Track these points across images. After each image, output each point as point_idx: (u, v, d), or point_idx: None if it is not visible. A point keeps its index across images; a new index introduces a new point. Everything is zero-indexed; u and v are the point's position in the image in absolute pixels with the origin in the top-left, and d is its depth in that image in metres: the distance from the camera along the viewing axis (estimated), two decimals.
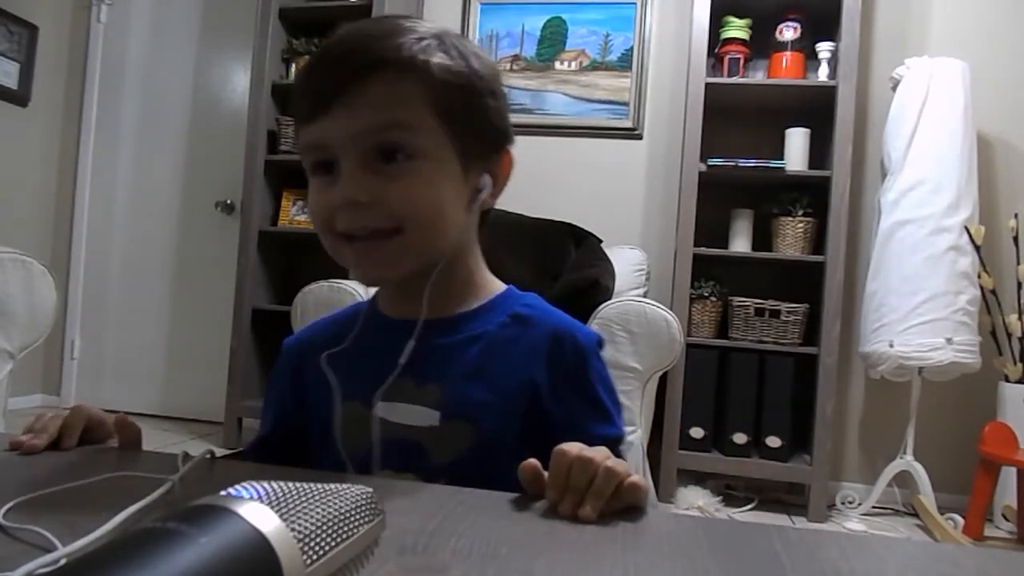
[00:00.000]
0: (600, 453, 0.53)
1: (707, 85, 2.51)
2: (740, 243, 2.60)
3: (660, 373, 2.06)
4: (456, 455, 0.65)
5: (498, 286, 0.74)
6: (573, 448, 0.53)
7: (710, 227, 2.57)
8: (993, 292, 2.42)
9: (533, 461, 0.54)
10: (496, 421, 0.65)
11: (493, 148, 0.69)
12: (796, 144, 2.55)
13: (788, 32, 2.58)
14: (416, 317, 0.67)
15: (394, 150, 0.62)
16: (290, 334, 2.33)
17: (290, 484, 0.30)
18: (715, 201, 2.56)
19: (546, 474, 0.54)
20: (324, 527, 0.29)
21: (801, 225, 2.53)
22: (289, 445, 0.73)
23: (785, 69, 2.57)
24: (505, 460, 0.57)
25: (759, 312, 2.50)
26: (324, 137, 0.62)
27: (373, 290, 0.77)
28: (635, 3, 2.88)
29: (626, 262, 2.47)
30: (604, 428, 0.68)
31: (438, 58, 0.63)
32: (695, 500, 2.37)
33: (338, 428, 0.67)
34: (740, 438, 2.44)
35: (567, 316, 0.73)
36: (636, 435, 2.01)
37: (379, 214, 0.62)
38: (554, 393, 0.67)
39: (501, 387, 0.66)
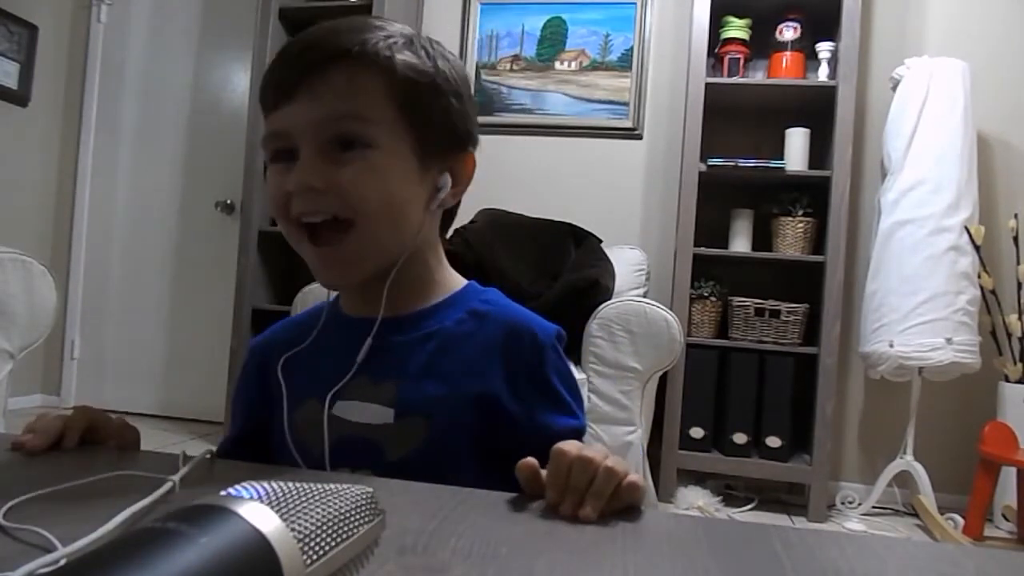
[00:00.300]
0: (599, 452, 0.53)
1: (707, 85, 2.51)
2: (740, 243, 2.60)
3: (660, 373, 2.07)
4: (409, 451, 0.65)
5: (458, 282, 0.75)
6: (573, 448, 0.53)
7: (710, 227, 2.57)
8: (993, 292, 2.42)
9: (531, 460, 0.54)
10: (449, 417, 0.66)
11: (454, 148, 0.69)
12: (796, 144, 2.55)
13: (788, 32, 2.58)
14: (375, 315, 0.67)
15: (352, 140, 0.63)
16: None
17: (290, 484, 0.30)
18: (715, 201, 2.56)
19: (544, 473, 0.53)
20: (324, 527, 0.29)
21: (801, 225, 2.53)
22: (259, 444, 0.74)
23: (785, 69, 2.57)
24: (459, 457, 0.57)
25: (759, 312, 2.50)
26: (285, 124, 0.64)
27: None
28: (635, 3, 2.88)
29: (626, 262, 2.48)
30: (565, 420, 0.68)
31: (403, 55, 0.65)
32: (695, 500, 2.37)
33: (287, 430, 0.68)
34: (740, 438, 2.45)
35: (525, 310, 0.73)
36: (636, 435, 2.01)
37: (333, 201, 0.62)
38: (512, 389, 0.67)
39: (455, 383, 0.67)
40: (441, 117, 0.67)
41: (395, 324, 0.68)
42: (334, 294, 0.75)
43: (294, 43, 0.66)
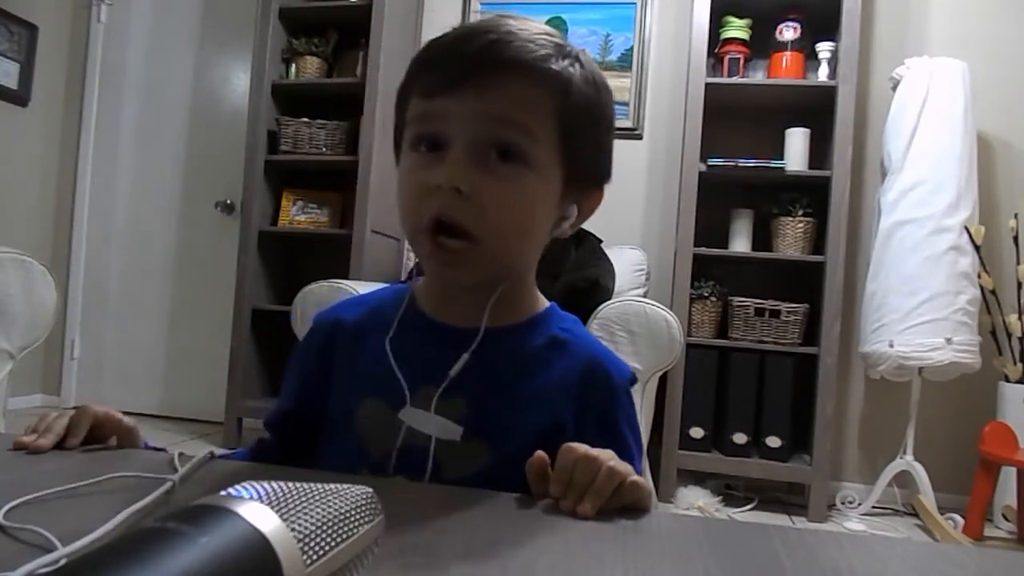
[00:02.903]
0: (604, 453, 0.54)
1: (707, 85, 2.51)
2: (740, 243, 2.60)
3: (660, 373, 2.06)
4: (469, 473, 0.63)
5: (541, 303, 0.73)
6: (579, 447, 0.54)
7: (710, 227, 2.57)
8: (993, 292, 2.42)
9: (542, 455, 0.55)
10: (515, 444, 0.63)
11: (592, 183, 0.68)
12: (796, 144, 2.55)
13: (788, 32, 2.58)
14: (458, 323, 0.66)
15: (511, 150, 0.60)
16: (290, 334, 2.31)
17: (290, 484, 0.30)
18: (715, 201, 2.56)
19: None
20: (324, 527, 0.29)
21: (801, 225, 2.53)
22: (309, 422, 0.72)
23: (785, 69, 2.57)
24: (516, 485, 0.56)
25: (759, 312, 2.50)
26: (446, 113, 0.60)
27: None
28: (635, 3, 2.89)
29: (626, 262, 2.47)
30: None
31: (578, 80, 0.62)
32: (695, 500, 2.37)
33: (401, 428, 0.65)
34: (740, 438, 2.44)
35: (603, 347, 0.72)
36: None
37: (472, 209, 0.59)
38: (579, 427, 0.66)
39: (527, 411, 0.65)
40: (594, 151, 0.66)
41: (476, 337, 0.66)
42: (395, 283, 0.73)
43: (471, 34, 0.61)
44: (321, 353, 0.73)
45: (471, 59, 0.60)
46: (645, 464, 2.15)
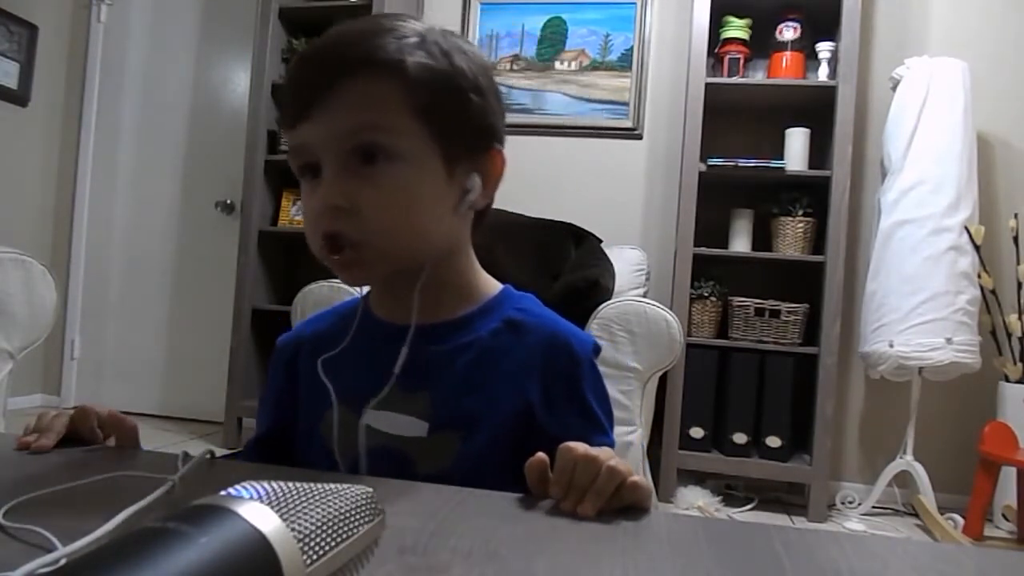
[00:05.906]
0: (604, 453, 0.54)
1: (707, 85, 2.50)
2: (740, 243, 2.60)
3: (660, 373, 2.06)
4: (442, 467, 0.64)
5: (493, 287, 0.73)
6: (579, 447, 0.54)
7: (710, 227, 2.57)
8: (993, 292, 2.42)
9: (543, 457, 0.55)
10: (485, 434, 0.64)
11: (480, 147, 0.66)
12: (796, 144, 2.55)
13: (788, 32, 2.58)
14: (406, 322, 0.66)
15: (372, 152, 0.60)
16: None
17: (290, 484, 0.30)
18: (715, 201, 2.56)
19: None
20: (324, 527, 0.29)
21: (801, 225, 2.53)
22: (286, 443, 0.73)
23: (785, 69, 2.57)
24: (492, 473, 0.57)
25: (759, 312, 2.50)
26: (306, 141, 0.62)
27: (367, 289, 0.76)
28: (635, 3, 2.88)
29: (626, 262, 2.47)
30: (596, 437, 0.66)
31: (416, 57, 0.62)
32: (695, 500, 2.37)
33: (335, 434, 0.66)
34: (740, 438, 2.44)
35: (563, 321, 0.71)
36: (636, 435, 2.01)
37: (353, 219, 0.60)
38: (547, 403, 0.66)
39: (492, 399, 0.65)
40: (462, 116, 0.64)
41: (429, 332, 0.66)
42: (364, 291, 0.73)
43: (305, 58, 0.64)
44: (287, 371, 0.74)
45: (307, 82, 0.62)
46: (645, 465, 2.14)
